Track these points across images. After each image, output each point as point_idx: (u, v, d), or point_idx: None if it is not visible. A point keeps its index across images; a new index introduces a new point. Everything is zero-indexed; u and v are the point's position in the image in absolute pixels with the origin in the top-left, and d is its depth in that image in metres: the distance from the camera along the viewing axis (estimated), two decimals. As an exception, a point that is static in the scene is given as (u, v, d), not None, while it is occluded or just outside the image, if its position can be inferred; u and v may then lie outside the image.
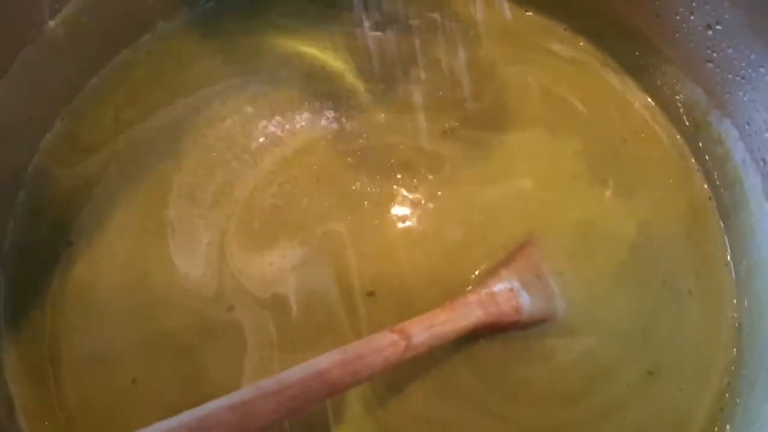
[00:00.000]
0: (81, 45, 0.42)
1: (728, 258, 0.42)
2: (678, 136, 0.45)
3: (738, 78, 0.39)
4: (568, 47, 0.47)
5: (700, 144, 0.44)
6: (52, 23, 0.40)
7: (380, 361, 0.31)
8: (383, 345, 0.31)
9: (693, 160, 0.44)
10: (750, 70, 0.38)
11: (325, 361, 0.29)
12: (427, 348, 0.33)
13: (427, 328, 0.33)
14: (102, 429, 0.35)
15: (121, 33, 0.45)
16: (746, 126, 0.40)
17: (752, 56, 0.38)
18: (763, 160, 0.39)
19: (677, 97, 0.44)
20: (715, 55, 0.40)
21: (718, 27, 0.39)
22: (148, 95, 0.44)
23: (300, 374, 0.28)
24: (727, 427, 0.36)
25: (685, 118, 0.44)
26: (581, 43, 0.48)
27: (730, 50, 0.39)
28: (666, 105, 0.45)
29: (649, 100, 0.46)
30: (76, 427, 0.36)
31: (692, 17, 0.41)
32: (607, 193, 0.43)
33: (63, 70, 0.42)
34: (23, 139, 0.41)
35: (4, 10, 0.37)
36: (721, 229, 0.43)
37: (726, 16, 0.39)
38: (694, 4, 0.40)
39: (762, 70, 0.37)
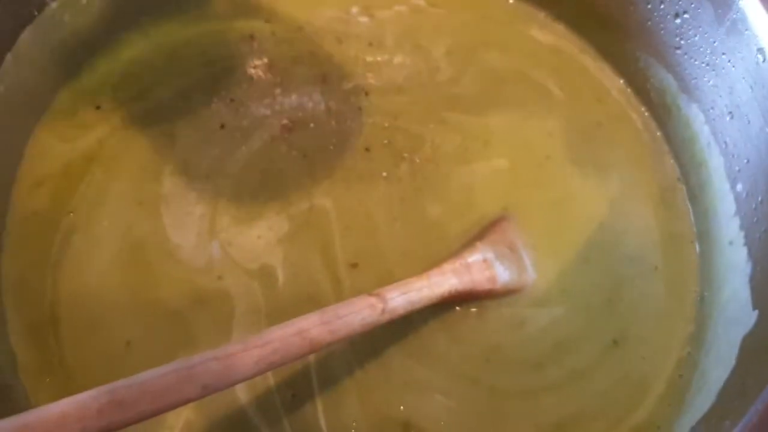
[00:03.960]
0: (81, 26, 0.44)
1: (694, 236, 0.44)
2: (651, 120, 0.47)
3: (703, 64, 0.42)
4: (548, 34, 0.49)
5: (671, 127, 0.46)
6: (54, 5, 0.42)
7: (358, 321, 0.33)
8: (361, 307, 0.34)
9: (664, 143, 0.46)
10: (713, 57, 0.40)
11: (306, 319, 0.32)
12: (404, 312, 0.35)
13: (404, 294, 0.36)
14: (98, 385, 0.38)
15: (120, 15, 0.46)
16: (710, 110, 0.42)
17: (715, 43, 0.40)
18: (725, 142, 0.41)
19: (650, 83, 0.46)
20: (683, 42, 0.43)
21: (685, 15, 0.42)
22: (144, 75, 0.46)
23: (281, 331, 0.31)
24: (684, 392, 0.39)
25: (657, 102, 0.46)
26: (561, 30, 0.50)
27: (696, 38, 0.41)
28: (640, 90, 0.47)
29: (625, 85, 0.48)
30: (74, 384, 0.38)
31: (662, 6, 0.43)
32: (580, 173, 0.45)
33: (64, 48, 0.44)
34: (26, 114, 0.43)
35: (8, -9, 0.39)
36: (688, 209, 0.45)
37: (692, 5, 0.41)
38: (663, -7, 0.42)
39: (724, 56, 0.39)
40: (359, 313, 0.33)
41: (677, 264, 0.43)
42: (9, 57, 0.40)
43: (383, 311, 0.34)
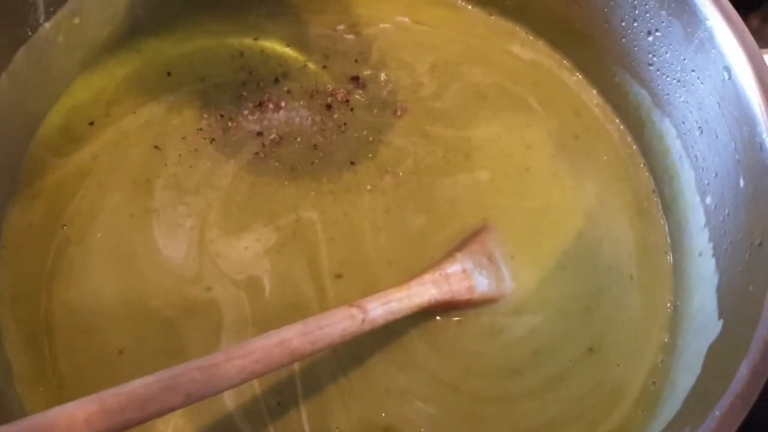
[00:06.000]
0: (74, 44, 0.46)
1: (668, 246, 0.45)
2: (627, 133, 0.49)
3: (674, 80, 0.43)
4: (527, 50, 0.51)
5: (645, 141, 0.47)
6: (47, 25, 0.43)
7: (338, 331, 0.34)
8: (342, 317, 0.35)
9: (639, 156, 0.48)
10: (684, 73, 0.42)
11: (288, 330, 0.33)
12: (384, 322, 0.37)
13: (384, 304, 0.37)
14: (91, 394, 0.39)
15: (113, 34, 0.48)
16: (682, 125, 0.43)
17: (685, 60, 0.41)
18: (696, 156, 0.43)
19: (626, 97, 0.48)
20: (655, 59, 0.44)
21: (657, 33, 0.43)
22: (136, 91, 0.47)
23: (264, 341, 0.32)
24: (656, 399, 0.40)
25: (632, 116, 0.48)
26: (540, 46, 0.51)
27: (667, 55, 0.43)
28: (616, 104, 0.49)
29: (602, 99, 0.49)
30: (68, 392, 0.39)
31: (635, 24, 0.44)
32: (559, 184, 0.46)
33: (58, 67, 0.45)
34: (21, 130, 0.44)
35: (2, 11, 0.40)
36: (662, 220, 0.46)
37: (663, 24, 0.42)
38: (636, 12, 0.44)
39: (693, 73, 0.41)
40: (340, 323, 0.34)
41: (652, 274, 0.44)
42: (4, 76, 0.41)
43: (363, 321, 0.35)
